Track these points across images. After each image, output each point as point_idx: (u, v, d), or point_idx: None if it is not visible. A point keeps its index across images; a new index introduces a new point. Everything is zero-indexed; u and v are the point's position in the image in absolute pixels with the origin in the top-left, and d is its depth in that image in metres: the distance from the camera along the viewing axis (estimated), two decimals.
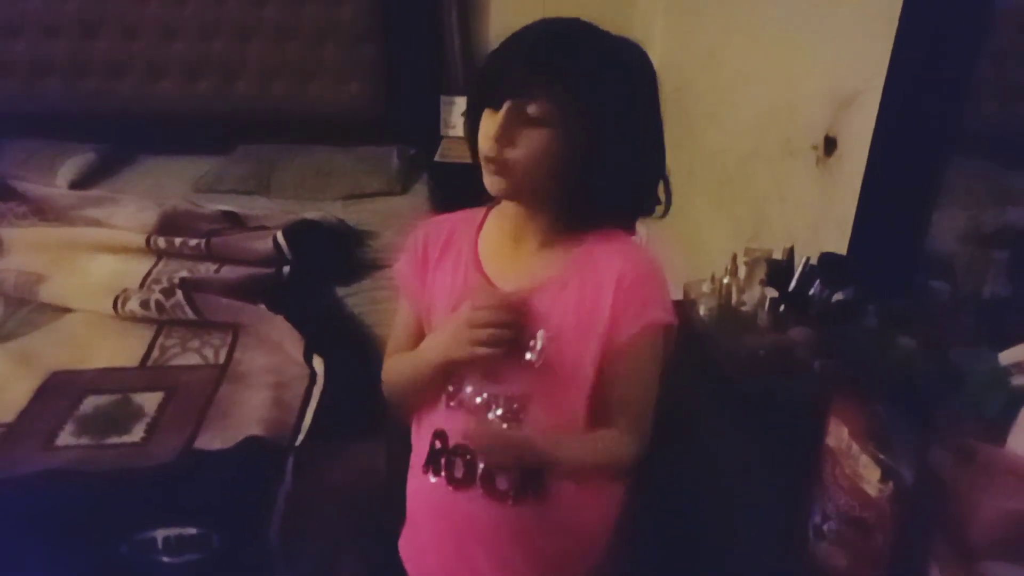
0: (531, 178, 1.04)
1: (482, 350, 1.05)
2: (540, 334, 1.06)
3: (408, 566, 1.25)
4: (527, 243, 1.13)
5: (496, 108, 1.03)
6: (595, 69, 1.03)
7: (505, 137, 1.02)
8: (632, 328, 1.06)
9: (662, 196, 1.13)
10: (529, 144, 1.02)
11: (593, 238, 1.11)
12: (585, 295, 1.08)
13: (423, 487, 1.17)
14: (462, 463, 1.12)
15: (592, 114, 1.02)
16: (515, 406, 1.09)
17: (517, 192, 1.08)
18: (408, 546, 1.26)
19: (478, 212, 1.20)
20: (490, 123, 1.03)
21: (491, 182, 1.06)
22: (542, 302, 1.08)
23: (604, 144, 1.03)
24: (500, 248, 1.15)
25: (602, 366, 1.08)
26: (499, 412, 1.09)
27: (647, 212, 1.14)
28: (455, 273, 1.15)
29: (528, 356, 1.07)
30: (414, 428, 1.21)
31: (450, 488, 1.13)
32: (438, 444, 1.14)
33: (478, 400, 1.10)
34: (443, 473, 1.13)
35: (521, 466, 1.08)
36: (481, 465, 1.10)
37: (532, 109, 1.01)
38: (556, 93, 1.00)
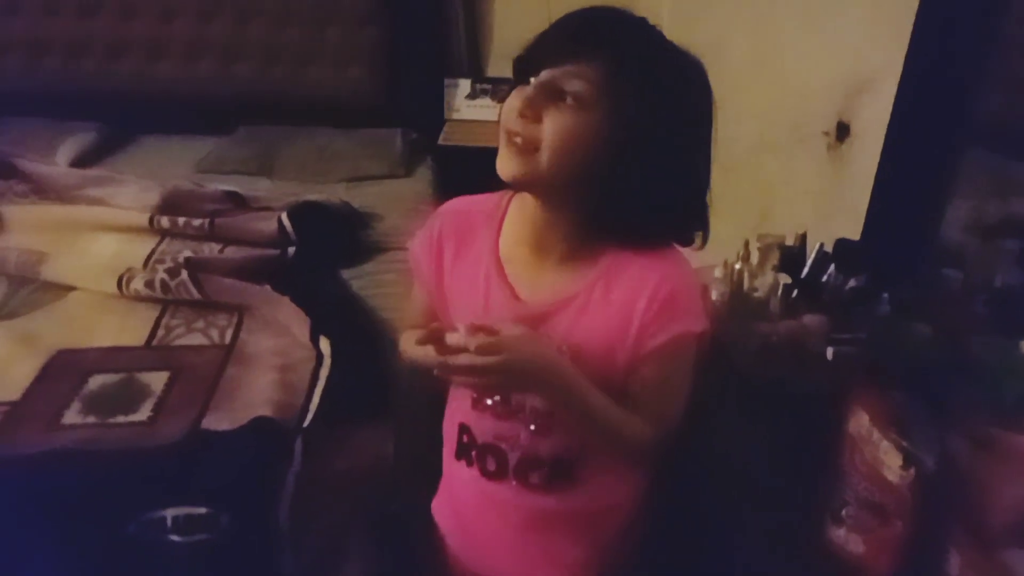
0: (552, 165, 0.91)
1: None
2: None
3: (450, 540, 1.24)
4: (550, 255, 1.03)
5: (529, 82, 0.92)
6: (645, 52, 0.92)
7: (532, 109, 0.90)
8: (660, 338, 0.98)
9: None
10: (556, 122, 0.90)
11: (624, 249, 1.00)
12: (613, 311, 0.99)
13: (460, 474, 1.16)
14: (493, 459, 1.09)
15: (635, 101, 0.89)
16: (542, 417, 1.05)
17: (533, 180, 0.94)
18: (447, 520, 1.25)
19: (499, 199, 1.09)
20: (518, 97, 0.92)
21: (505, 163, 0.93)
22: (565, 318, 1.01)
23: (644, 143, 0.90)
24: (521, 254, 1.05)
25: (628, 372, 1.01)
26: (527, 423, 1.06)
27: (687, 238, 1.02)
28: (475, 272, 1.06)
29: None
30: (447, 409, 1.18)
31: (484, 479, 1.11)
32: (465, 438, 1.12)
33: (506, 409, 1.06)
34: (475, 465, 1.12)
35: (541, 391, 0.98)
36: (513, 461, 1.08)
37: (569, 84, 0.89)
38: (597, 67, 0.89)
